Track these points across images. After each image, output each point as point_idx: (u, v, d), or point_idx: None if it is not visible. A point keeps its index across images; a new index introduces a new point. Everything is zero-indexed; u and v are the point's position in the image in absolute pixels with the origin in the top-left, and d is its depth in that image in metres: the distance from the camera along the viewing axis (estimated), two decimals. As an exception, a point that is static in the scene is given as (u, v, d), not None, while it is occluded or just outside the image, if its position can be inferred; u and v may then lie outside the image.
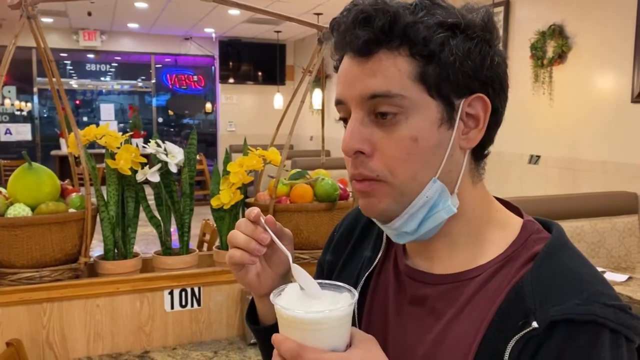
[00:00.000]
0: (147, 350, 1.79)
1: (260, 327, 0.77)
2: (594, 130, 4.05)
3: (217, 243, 2.00)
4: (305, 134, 8.81)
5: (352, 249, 0.81)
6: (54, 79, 1.77)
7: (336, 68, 0.69)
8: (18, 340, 1.64)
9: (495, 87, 0.65)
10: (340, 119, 0.68)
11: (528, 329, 0.59)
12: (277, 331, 0.61)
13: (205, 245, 3.36)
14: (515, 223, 0.70)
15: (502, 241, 0.68)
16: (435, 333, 0.67)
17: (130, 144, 1.84)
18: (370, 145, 0.64)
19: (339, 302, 0.60)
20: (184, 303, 1.85)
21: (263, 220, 0.68)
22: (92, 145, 1.91)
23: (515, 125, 4.77)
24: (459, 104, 0.64)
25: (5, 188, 1.72)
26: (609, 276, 2.67)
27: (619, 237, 3.48)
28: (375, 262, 0.76)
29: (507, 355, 0.59)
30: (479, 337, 0.63)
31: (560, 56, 4.21)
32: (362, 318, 0.75)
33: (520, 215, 0.73)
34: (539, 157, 4.52)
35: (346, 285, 0.63)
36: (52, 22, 8.10)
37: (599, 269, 2.51)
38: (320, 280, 0.64)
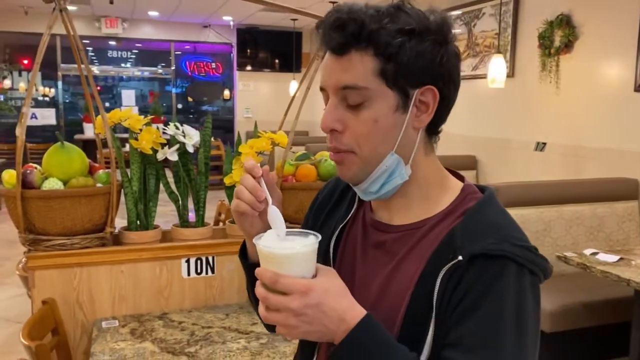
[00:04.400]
0: (165, 312, 1.98)
1: (248, 262, 0.97)
2: (599, 118, 4.15)
3: (231, 218, 2.19)
4: (318, 120, 8.94)
5: (331, 208, 1.00)
6: (82, 66, 1.96)
7: (321, 57, 0.87)
8: (52, 299, 1.85)
9: (444, 80, 0.82)
10: (324, 102, 0.87)
11: (454, 261, 0.76)
12: (259, 266, 0.79)
13: (221, 224, 3.56)
14: (457, 186, 0.88)
15: (446, 200, 0.86)
16: (390, 269, 0.85)
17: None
18: (342, 124, 0.82)
19: (306, 242, 0.78)
20: (199, 270, 2.04)
21: (262, 176, 0.86)
22: (115, 130, 2.09)
23: (522, 113, 4.89)
24: (413, 93, 0.80)
25: (41, 165, 1.92)
26: (602, 257, 2.80)
27: (618, 222, 3.60)
28: (348, 217, 0.95)
29: (439, 281, 0.77)
30: (419, 270, 0.80)
31: (567, 45, 4.30)
32: (336, 259, 0.93)
33: (462, 181, 0.90)
34: (544, 144, 4.63)
35: (312, 232, 0.80)
36: (76, 10, 8.34)
37: (591, 250, 2.64)
38: (292, 229, 0.81)
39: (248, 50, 9.75)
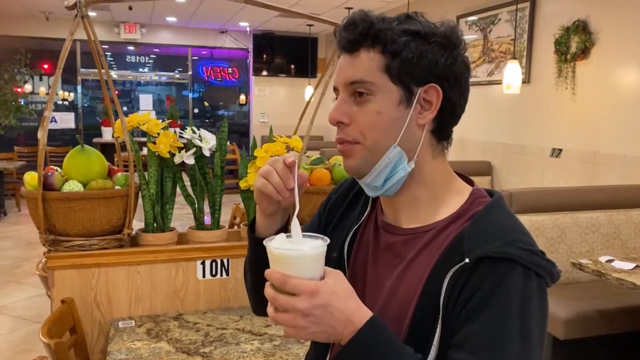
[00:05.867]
0: (180, 313, 2.02)
1: (255, 235, 1.00)
2: (615, 124, 4.12)
3: (245, 222, 2.22)
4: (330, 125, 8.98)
5: (345, 209, 1.03)
6: (102, 71, 2.01)
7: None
8: (71, 299, 1.89)
9: (450, 82, 0.85)
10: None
11: (461, 264, 0.78)
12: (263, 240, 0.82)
13: (236, 227, 3.59)
14: (466, 190, 0.90)
15: (454, 203, 0.88)
16: (399, 271, 0.87)
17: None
18: (348, 117, 0.87)
19: (315, 245, 0.80)
20: (214, 272, 2.07)
21: (296, 169, 0.90)
22: (132, 134, 2.14)
23: (538, 119, 4.87)
24: (417, 90, 0.84)
25: (61, 168, 1.97)
26: (617, 264, 2.78)
27: (635, 229, 3.57)
28: (361, 220, 0.97)
29: (446, 283, 0.79)
30: (427, 272, 0.82)
31: (584, 51, 4.29)
32: (350, 260, 0.96)
33: (472, 185, 0.92)
34: (560, 150, 4.61)
35: (320, 235, 0.82)
36: (96, 16, 8.48)
37: (607, 258, 2.62)
38: (304, 233, 0.83)
39: (264, 56, 9.82)
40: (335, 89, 0.90)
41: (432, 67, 0.83)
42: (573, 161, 4.50)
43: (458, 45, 0.85)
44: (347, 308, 0.75)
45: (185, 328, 1.88)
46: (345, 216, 1.01)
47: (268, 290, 0.77)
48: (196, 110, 10.97)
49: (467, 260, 0.77)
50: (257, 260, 1.00)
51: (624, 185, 3.80)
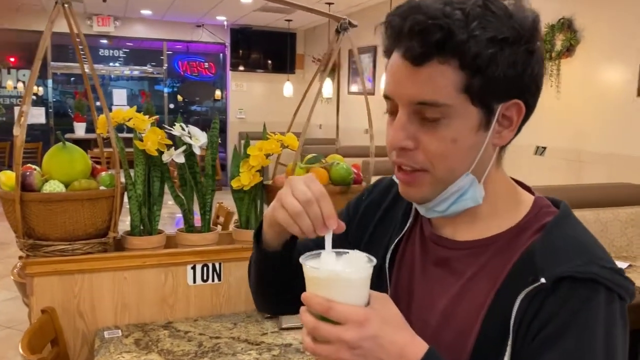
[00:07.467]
0: (170, 321, 1.90)
1: (262, 247, 0.87)
2: (600, 122, 4.12)
3: (236, 222, 2.11)
4: (314, 122, 8.91)
5: (382, 216, 0.91)
6: (85, 64, 1.88)
7: (385, 53, 0.76)
8: (52, 308, 1.76)
9: (531, 92, 0.73)
10: (388, 112, 0.77)
11: (536, 284, 0.68)
12: (273, 257, 0.75)
13: (219, 226, 3.47)
14: (528, 199, 0.80)
15: (516, 214, 0.78)
16: (456, 290, 0.76)
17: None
18: (414, 141, 0.73)
19: (362, 265, 0.69)
20: (205, 277, 1.96)
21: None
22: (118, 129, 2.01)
23: (522, 116, 4.85)
24: (497, 108, 0.72)
25: (39, 166, 1.83)
26: (610, 264, 2.76)
27: (622, 228, 3.56)
28: (404, 231, 0.86)
29: (517, 305, 0.69)
30: (493, 292, 0.72)
31: (569, 49, 4.28)
32: (392, 277, 0.85)
33: (531, 193, 0.83)
34: (545, 148, 4.61)
35: (363, 252, 0.71)
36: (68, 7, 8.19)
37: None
38: (345, 250, 0.72)
39: (241, 51, 9.66)
40: (388, 98, 0.75)
41: (517, 81, 0.70)
42: (558, 159, 4.50)
43: (540, 41, 0.73)
44: (400, 339, 0.66)
45: (176, 337, 1.77)
46: (382, 225, 0.90)
47: (306, 318, 0.66)
48: (171, 106, 10.74)
49: (543, 280, 0.68)
50: (267, 270, 0.90)
51: (610, 183, 3.80)
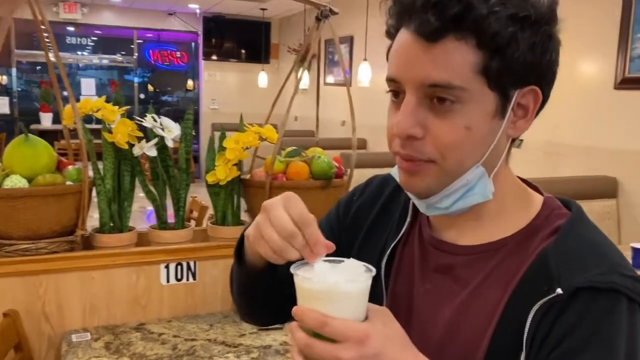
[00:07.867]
0: (142, 323, 1.81)
1: (244, 266, 0.79)
2: (577, 115, 4.12)
3: (212, 218, 2.02)
4: (290, 114, 8.79)
5: (375, 219, 0.83)
6: (50, 53, 1.76)
7: (388, 34, 0.69)
8: (15, 311, 1.65)
9: (548, 79, 0.67)
10: (390, 91, 0.69)
11: (552, 295, 0.62)
12: (257, 276, 0.71)
13: (193, 221, 3.36)
14: (536, 200, 0.74)
15: (525, 216, 0.71)
16: (462, 299, 0.70)
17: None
18: (422, 129, 0.66)
19: (360, 275, 0.62)
20: (179, 277, 1.87)
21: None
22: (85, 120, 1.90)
23: (499, 109, 4.84)
24: (513, 94, 0.66)
25: (0, 160, 1.71)
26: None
27: (597, 220, 3.50)
28: (401, 234, 0.78)
29: (531, 317, 0.63)
30: (503, 302, 0.66)
31: (546, 41, 4.27)
32: (388, 285, 0.78)
33: (539, 193, 0.76)
34: (521, 140, 4.59)
35: (358, 261, 0.64)
36: (32, -7, 7.90)
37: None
38: (339, 258, 0.65)
39: (214, 40, 9.46)
40: (393, 81, 0.67)
41: (536, 65, 0.64)
42: (535, 151, 4.49)
43: (558, 24, 0.66)
44: (403, 358, 0.59)
45: (149, 340, 1.68)
46: (377, 228, 0.82)
47: (299, 335, 0.59)
48: (142, 96, 10.49)
49: (559, 290, 0.62)
50: (251, 285, 0.82)
51: (586, 176, 3.82)
